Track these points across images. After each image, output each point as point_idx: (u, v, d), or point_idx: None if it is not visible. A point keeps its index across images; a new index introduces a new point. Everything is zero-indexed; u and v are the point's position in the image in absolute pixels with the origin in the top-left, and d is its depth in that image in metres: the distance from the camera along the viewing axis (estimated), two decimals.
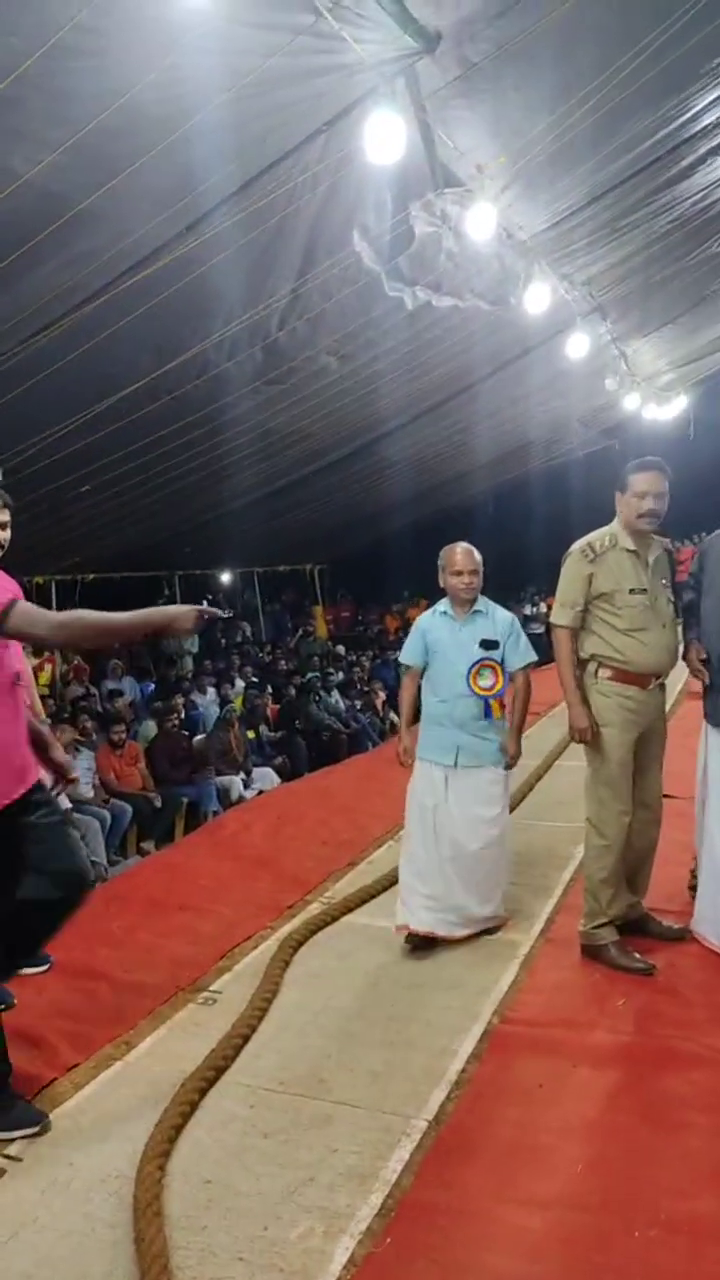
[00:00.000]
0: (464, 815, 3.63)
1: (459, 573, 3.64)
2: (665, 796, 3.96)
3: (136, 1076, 2.86)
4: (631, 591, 3.34)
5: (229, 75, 3.45)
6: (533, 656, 3.77)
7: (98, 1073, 2.87)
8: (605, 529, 3.47)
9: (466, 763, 3.64)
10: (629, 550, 3.38)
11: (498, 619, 3.73)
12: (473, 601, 3.69)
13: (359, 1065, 2.82)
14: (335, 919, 3.93)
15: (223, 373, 5.81)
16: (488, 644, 3.64)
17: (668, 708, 3.80)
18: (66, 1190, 2.36)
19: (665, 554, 3.55)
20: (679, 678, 5.22)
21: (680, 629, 3.57)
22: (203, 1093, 2.71)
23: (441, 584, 3.73)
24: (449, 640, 3.68)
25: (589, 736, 3.42)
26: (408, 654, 3.80)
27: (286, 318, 5.41)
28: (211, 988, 3.42)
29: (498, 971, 3.40)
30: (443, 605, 3.75)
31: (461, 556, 3.66)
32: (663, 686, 3.54)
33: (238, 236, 4.39)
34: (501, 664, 3.67)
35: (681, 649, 3.57)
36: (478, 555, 3.70)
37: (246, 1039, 3.00)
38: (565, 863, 4.40)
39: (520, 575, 15.81)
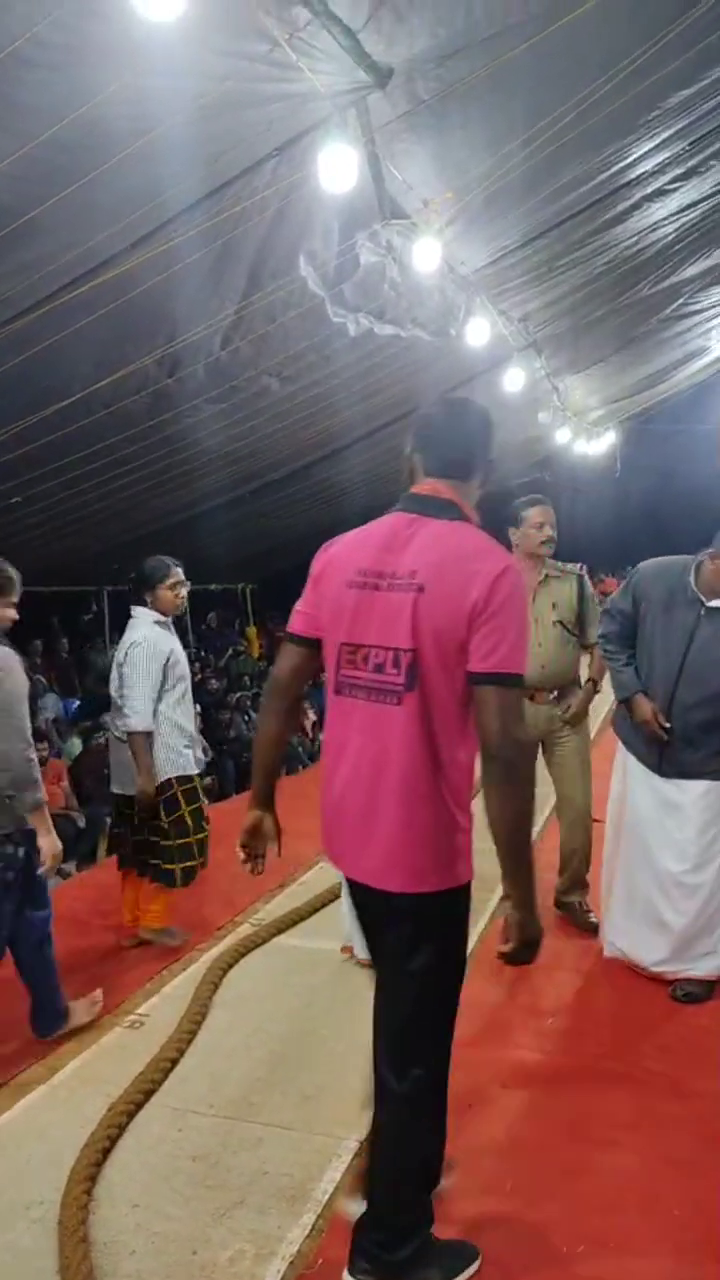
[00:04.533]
0: None
1: None
2: (594, 820, 4.11)
3: (61, 1100, 2.80)
4: None
5: (184, 96, 3.47)
6: None
7: (21, 1096, 2.80)
8: None
9: None
10: None
11: None
12: None
13: (289, 1087, 2.80)
14: (265, 940, 3.91)
15: (163, 389, 5.78)
16: None
17: (593, 734, 3.97)
18: None
19: (570, 579, 3.93)
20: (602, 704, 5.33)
21: (572, 649, 3.89)
22: (130, 1116, 2.67)
23: None
24: None
25: None
26: None
27: (230, 337, 5.42)
28: (139, 1010, 3.36)
29: None
30: None
31: None
32: (562, 701, 3.87)
33: (184, 255, 4.39)
34: None
35: (588, 673, 3.94)
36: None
37: (175, 1062, 2.96)
38: (492, 884, 4.44)
39: None
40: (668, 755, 3.40)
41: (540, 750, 3.93)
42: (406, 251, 4.85)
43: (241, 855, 2.13)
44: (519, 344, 7.55)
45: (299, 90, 3.63)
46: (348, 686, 1.92)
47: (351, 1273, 2.02)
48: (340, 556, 1.98)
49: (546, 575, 3.88)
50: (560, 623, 3.84)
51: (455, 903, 1.95)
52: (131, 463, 6.87)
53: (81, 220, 3.97)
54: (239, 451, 7.55)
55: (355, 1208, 2.09)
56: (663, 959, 3.45)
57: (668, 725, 3.33)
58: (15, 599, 3.10)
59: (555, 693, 3.88)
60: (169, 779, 3.77)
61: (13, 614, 3.09)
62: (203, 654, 13.16)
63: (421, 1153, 2.04)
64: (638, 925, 3.52)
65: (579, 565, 4.04)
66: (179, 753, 3.81)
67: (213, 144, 3.85)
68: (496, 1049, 3.10)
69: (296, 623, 2.08)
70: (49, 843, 2.95)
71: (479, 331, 6.15)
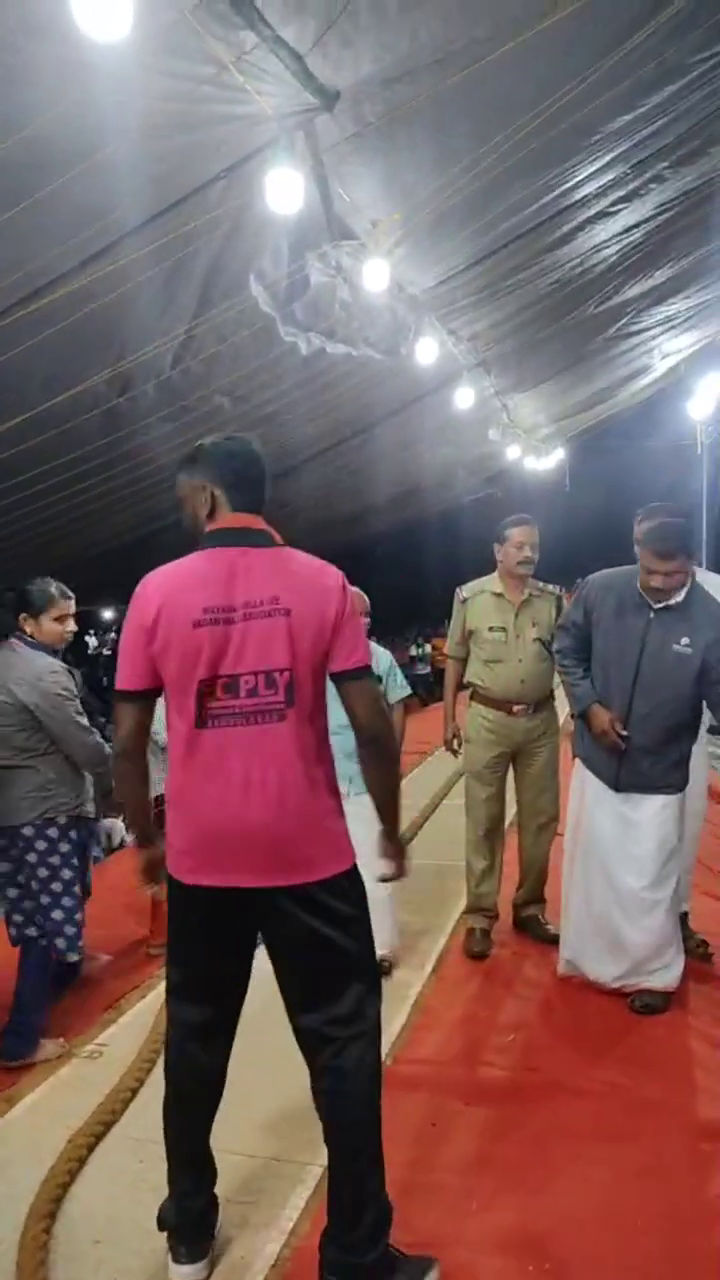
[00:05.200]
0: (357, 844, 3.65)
1: None
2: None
3: (19, 1135, 2.73)
4: (490, 629, 3.93)
5: (132, 117, 3.47)
6: (408, 690, 4.02)
7: None
8: (484, 578, 4.07)
9: (359, 790, 3.66)
10: (495, 594, 3.98)
11: (379, 656, 3.84)
12: None
13: (252, 1113, 2.76)
14: None
15: (114, 408, 5.76)
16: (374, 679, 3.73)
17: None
18: None
19: (550, 599, 4.01)
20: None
21: (548, 665, 3.91)
22: (90, 1149, 2.61)
23: None
24: None
25: (453, 746, 4.17)
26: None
27: (181, 356, 5.42)
28: (97, 1040, 3.30)
29: (390, 1012, 3.37)
30: None
31: None
32: (539, 714, 3.95)
33: (134, 274, 4.39)
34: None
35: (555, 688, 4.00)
36: (366, 600, 3.78)
37: (135, 1092, 2.91)
38: (454, 900, 4.45)
39: (410, 617, 16.11)
40: (626, 768, 3.41)
41: (512, 763, 4.04)
42: (356, 272, 4.90)
43: (149, 887, 2.25)
44: (468, 363, 7.65)
45: (247, 112, 3.65)
46: (218, 717, 2.00)
47: None
48: (175, 601, 1.99)
49: (530, 594, 3.97)
50: (539, 640, 3.92)
51: (355, 883, 2.13)
52: (83, 482, 6.82)
53: (29, 239, 3.95)
54: None
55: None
56: (621, 974, 3.47)
57: (625, 734, 3.36)
58: (58, 613, 3.32)
59: (532, 706, 3.95)
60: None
61: (59, 629, 3.34)
62: None
63: (378, 1136, 2.12)
64: (595, 943, 3.54)
65: (557, 586, 4.12)
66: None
67: (161, 164, 3.85)
68: (459, 1067, 3.09)
69: (131, 680, 2.06)
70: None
71: (428, 350, 6.22)
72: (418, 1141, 2.66)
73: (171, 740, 2.06)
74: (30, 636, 3.31)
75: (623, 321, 8.50)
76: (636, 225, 6.44)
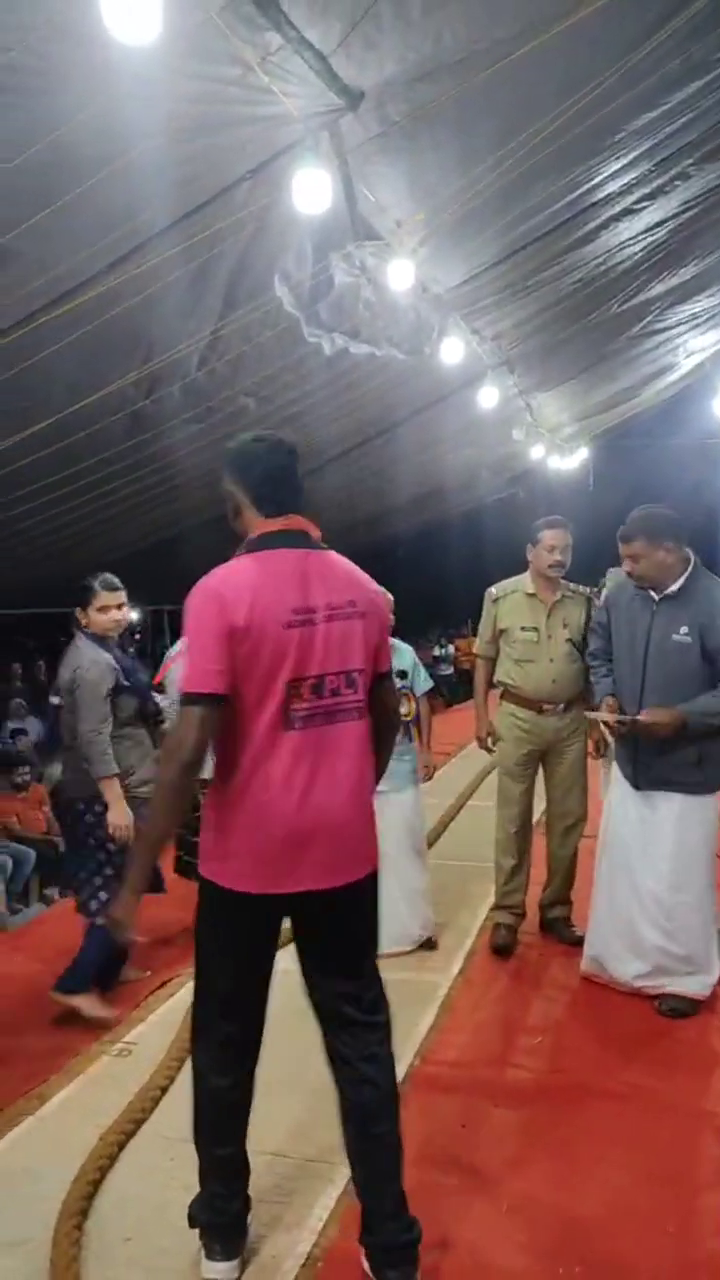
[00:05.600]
0: (391, 836, 3.71)
1: None
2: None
3: (50, 1133, 2.75)
4: (523, 629, 3.97)
5: (158, 120, 3.48)
6: (430, 683, 4.21)
7: (8, 1129, 2.75)
8: (516, 577, 4.10)
9: (385, 787, 3.71)
10: (528, 594, 4.01)
11: (402, 652, 3.99)
12: None
13: (282, 1113, 2.76)
14: None
15: (140, 410, 5.78)
16: (401, 674, 3.88)
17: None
18: None
19: (581, 601, 4.02)
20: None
21: (579, 667, 3.92)
22: (121, 1147, 2.62)
23: None
24: None
25: (487, 744, 4.17)
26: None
27: (207, 358, 5.44)
28: (126, 1039, 3.32)
29: (418, 1014, 3.39)
30: None
31: None
32: (569, 714, 3.96)
33: (161, 276, 4.40)
34: (411, 690, 3.99)
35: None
36: (391, 600, 3.84)
37: (165, 1090, 2.92)
38: (481, 901, 4.44)
39: (433, 618, 16.08)
40: (642, 765, 3.42)
41: (541, 763, 4.07)
42: (380, 272, 4.89)
43: (127, 934, 2.20)
44: (492, 362, 7.62)
45: (272, 113, 3.66)
46: (305, 718, 1.99)
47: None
48: (266, 602, 1.96)
49: (563, 595, 4.01)
50: (570, 641, 3.95)
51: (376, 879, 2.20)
52: (109, 484, 6.86)
53: (56, 244, 3.97)
54: (218, 472, 7.54)
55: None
56: (640, 973, 3.45)
57: (624, 719, 3.37)
58: (100, 604, 3.55)
59: (562, 705, 3.97)
60: None
61: (107, 618, 3.56)
62: None
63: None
64: (616, 940, 3.53)
65: (589, 588, 4.16)
66: None
67: (187, 166, 3.87)
68: (487, 1068, 3.08)
69: (218, 682, 1.94)
70: (116, 813, 3.38)
71: (453, 350, 6.20)
72: (448, 1142, 2.65)
73: (237, 745, 1.99)
74: (86, 629, 3.58)
75: (647, 320, 8.44)
76: (660, 223, 6.38)
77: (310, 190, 3.85)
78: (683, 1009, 3.36)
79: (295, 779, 1.99)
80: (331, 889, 2.04)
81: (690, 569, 3.37)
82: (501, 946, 3.96)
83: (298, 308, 5.05)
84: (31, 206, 3.69)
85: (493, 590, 4.15)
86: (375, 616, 2.14)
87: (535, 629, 3.95)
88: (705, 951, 3.40)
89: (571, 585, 4.05)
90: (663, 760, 3.36)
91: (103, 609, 3.57)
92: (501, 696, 4.10)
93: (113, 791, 3.40)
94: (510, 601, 4.05)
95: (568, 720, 3.98)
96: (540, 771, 4.10)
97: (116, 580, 3.63)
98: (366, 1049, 2.12)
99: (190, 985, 3.61)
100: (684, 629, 3.31)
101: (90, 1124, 2.73)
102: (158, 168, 3.73)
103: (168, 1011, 3.50)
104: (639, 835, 3.45)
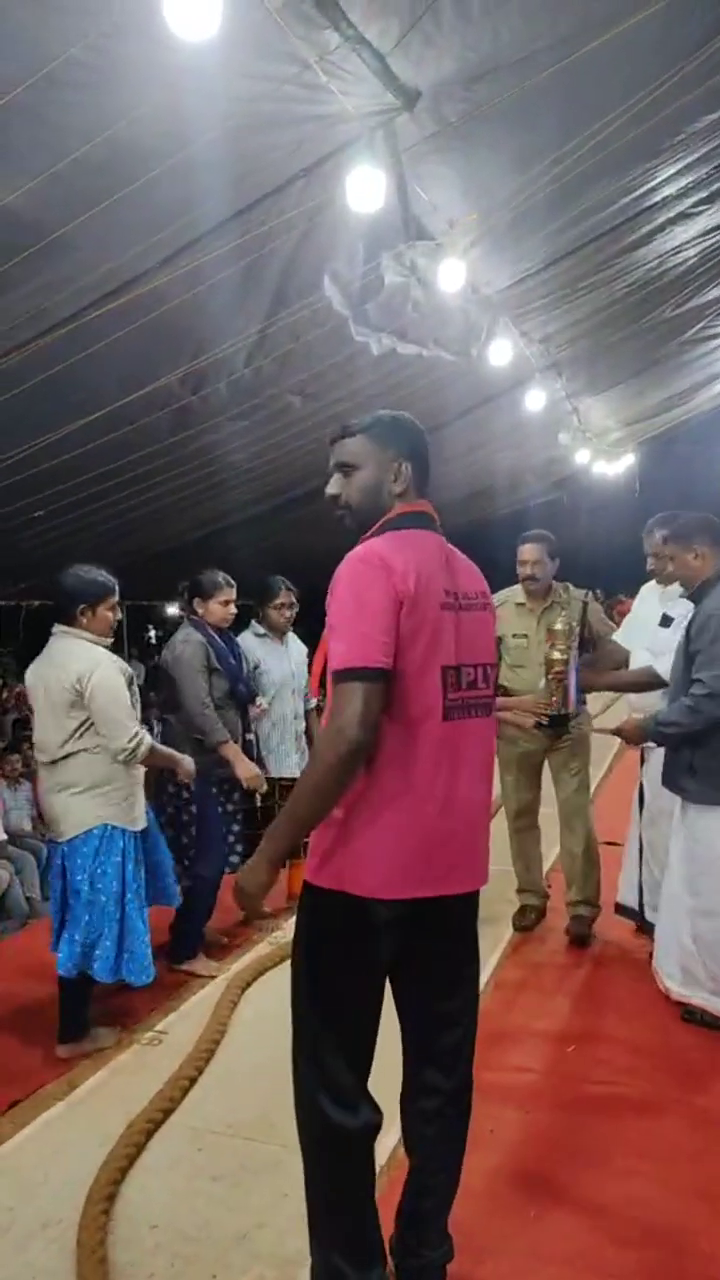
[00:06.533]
0: None
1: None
2: (609, 844, 4.22)
3: (80, 1118, 2.78)
4: (514, 636, 4.17)
5: (214, 117, 3.49)
6: None
7: (39, 1113, 2.78)
8: (511, 587, 4.30)
9: None
10: (518, 603, 4.24)
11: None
12: None
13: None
14: (284, 959, 3.88)
15: (186, 406, 5.82)
16: None
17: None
18: (5, 1237, 2.27)
19: (574, 605, 4.17)
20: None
21: None
22: (149, 1135, 2.64)
23: None
24: None
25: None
26: None
27: (254, 355, 5.45)
28: (157, 1028, 3.34)
29: None
30: None
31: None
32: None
33: (211, 274, 4.43)
34: None
35: None
36: None
37: (194, 1080, 2.94)
38: (514, 907, 4.41)
39: None
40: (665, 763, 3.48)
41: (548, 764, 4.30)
42: (431, 272, 4.86)
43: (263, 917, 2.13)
44: (540, 365, 7.56)
45: (328, 112, 3.66)
46: (457, 709, 1.87)
47: None
48: (426, 577, 1.83)
49: (553, 602, 4.21)
50: None
51: None
52: (153, 479, 6.91)
53: (108, 239, 4.01)
54: (260, 468, 7.58)
55: None
56: (672, 976, 3.43)
57: (609, 729, 3.72)
58: (226, 598, 4.17)
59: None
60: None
61: (227, 611, 4.19)
62: None
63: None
64: (661, 938, 3.52)
65: (586, 591, 4.32)
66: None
67: (241, 164, 3.88)
68: (518, 1075, 3.06)
69: (387, 654, 1.76)
70: (242, 768, 3.90)
71: (501, 352, 6.16)
72: (476, 1147, 2.59)
73: (387, 731, 1.81)
74: (197, 618, 4.14)
75: (700, 325, 8.33)
76: (717, 228, 6.30)
77: (364, 189, 3.84)
78: (707, 1021, 3.30)
79: (443, 773, 1.85)
80: (459, 895, 1.92)
81: (717, 578, 3.33)
82: (522, 925, 4.26)
83: (346, 307, 5.05)
84: (88, 202, 3.72)
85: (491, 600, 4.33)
86: (494, 612, 2.08)
87: (525, 635, 4.16)
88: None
89: (568, 590, 4.22)
90: (667, 760, 3.44)
91: (225, 602, 4.09)
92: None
93: (231, 751, 3.87)
94: (504, 611, 4.14)
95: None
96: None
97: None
98: (462, 1070, 2.02)
99: (221, 977, 3.69)
100: (683, 630, 3.36)
101: (120, 1111, 2.75)
102: (212, 165, 3.74)
103: (199, 1002, 3.52)
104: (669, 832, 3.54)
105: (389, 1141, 2.32)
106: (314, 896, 1.88)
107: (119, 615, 3.48)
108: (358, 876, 1.81)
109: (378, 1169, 1.99)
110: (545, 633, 3.99)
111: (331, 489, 2.03)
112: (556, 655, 3.67)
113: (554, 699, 3.71)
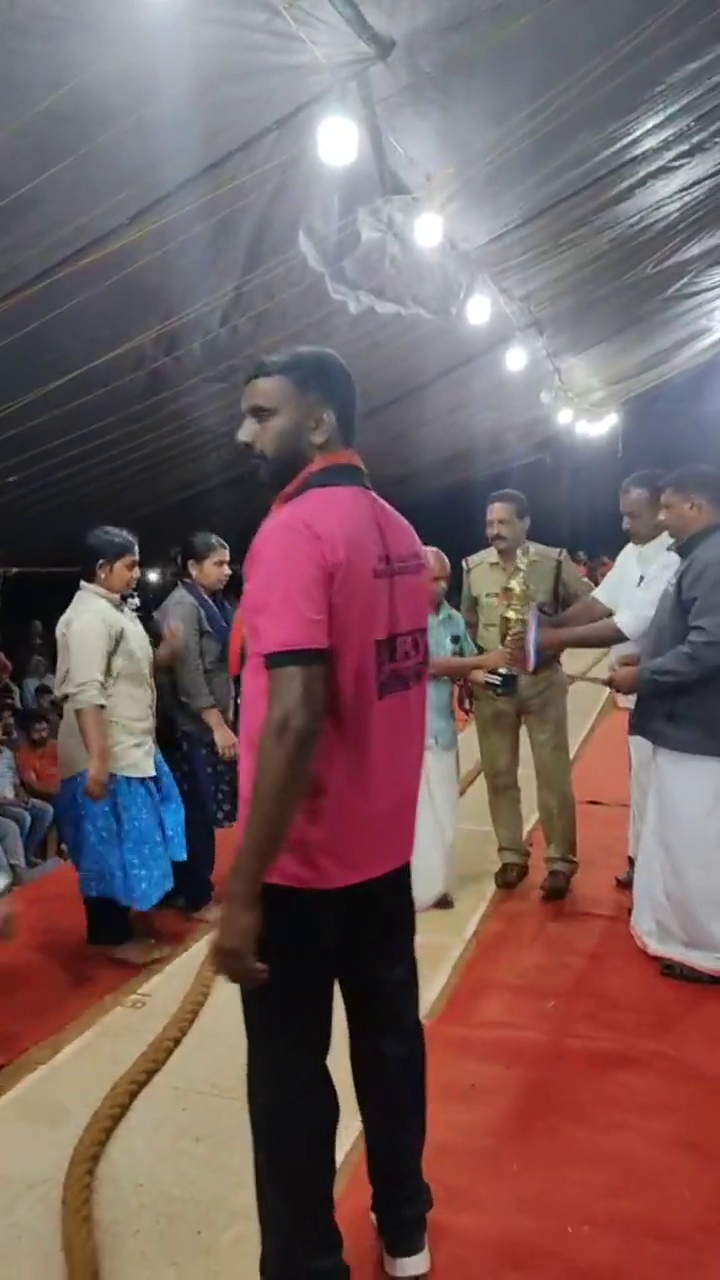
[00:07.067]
0: (440, 791, 3.97)
1: None
2: (592, 803, 4.26)
3: (64, 1079, 2.80)
4: (488, 595, 4.18)
5: (182, 67, 3.40)
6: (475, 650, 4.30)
7: (23, 1075, 2.80)
8: (487, 549, 4.32)
9: (443, 743, 4.03)
10: (491, 563, 4.26)
11: (457, 619, 4.25)
12: None
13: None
14: None
15: (160, 367, 5.73)
16: (455, 639, 4.13)
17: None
18: None
19: (550, 564, 4.17)
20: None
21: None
22: (133, 1096, 2.67)
23: None
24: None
25: (464, 705, 4.46)
26: None
27: (229, 315, 5.36)
28: (141, 990, 3.37)
29: (429, 975, 3.40)
30: None
31: None
32: (539, 673, 4.04)
33: (182, 230, 4.32)
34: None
35: None
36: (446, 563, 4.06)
37: (178, 1041, 2.96)
38: (495, 866, 4.44)
39: (458, 583, 15.98)
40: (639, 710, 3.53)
41: (525, 722, 4.31)
42: (407, 227, 4.78)
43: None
44: (520, 323, 7.47)
45: (299, 62, 3.56)
46: (390, 684, 1.76)
47: (415, 1250, 2.02)
48: (358, 543, 1.69)
49: (554, 561, 4.20)
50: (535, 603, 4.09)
51: None
52: (129, 442, 6.81)
53: (77, 194, 3.91)
54: (238, 431, 7.50)
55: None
56: (650, 931, 3.48)
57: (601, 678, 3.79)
58: (220, 559, 4.12)
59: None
60: None
61: (222, 571, 4.14)
62: None
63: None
64: (640, 891, 3.57)
65: (560, 550, 4.29)
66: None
67: (211, 117, 3.78)
68: (499, 1030, 3.10)
69: (320, 633, 1.62)
70: (221, 736, 3.90)
71: (480, 310, 6.08)
72: (458, 1102, 2.67)
73: (327, 711, 1.67)
74: (190, 581, 4.15)
75: (682, 281, 8.25)
76: (699, 181, 6.21)
77: (337, 142, 3.75)
78: (686, 975, 3.35)
79: (382, 753, 1.76)
80: (396, 869, 1.89)
81: (713, 529, 3.31)
82: (505, 883, 4.30)
83: (323, 264, 4.96)
84: (52, 156, 3.62)
85: (467, 561, 4.42)
86: (428, 570, 1.99)
87: (498, 595, 4.10)
88: (704, 931, 3.31)
89: (539, 549, 4.20)
90: (641, 707, 3.47)
91: (220, 563, 4.10)
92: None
93: (214, 717, 3.91)
94: (479, 571, 4.30)
95: (537, 679, 4.11)
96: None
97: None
98: (408, 1017, 2.03)
99: (204, 939, 3.71)
100: (673, 579, 3.35)
101: (105, 1073, 2.77)
102: (181, 117, 3.64)
103: (181, 965, 3.54)
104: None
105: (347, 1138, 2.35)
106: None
107: (136, 573, 3.73)
108: (298, 870, 1.71)
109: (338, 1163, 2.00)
110: (500, 591, 4.02)
111: (243, 435, 1.84)
112: (511, 615, 3.69)
113: (507, 658, 3.73)
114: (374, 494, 1.85)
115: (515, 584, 3.73)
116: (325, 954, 1.81)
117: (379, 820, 1.80)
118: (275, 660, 1.61)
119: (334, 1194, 1.92)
